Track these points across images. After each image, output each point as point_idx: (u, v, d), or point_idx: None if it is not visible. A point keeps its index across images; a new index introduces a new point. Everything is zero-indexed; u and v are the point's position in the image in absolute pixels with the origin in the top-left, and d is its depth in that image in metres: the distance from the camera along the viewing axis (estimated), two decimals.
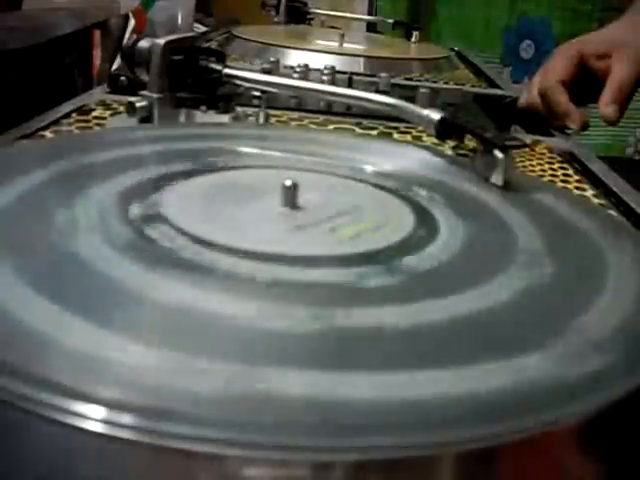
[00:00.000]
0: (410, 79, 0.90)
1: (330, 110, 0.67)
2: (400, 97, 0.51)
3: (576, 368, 0.23)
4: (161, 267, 0.27)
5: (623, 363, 0.24)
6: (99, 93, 0.68)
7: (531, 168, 0.57)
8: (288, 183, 0.33)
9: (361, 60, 0.93)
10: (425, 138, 0.60)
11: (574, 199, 0.45)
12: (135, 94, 0.53)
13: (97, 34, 0.94)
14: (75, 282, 0.26)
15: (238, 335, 0.24)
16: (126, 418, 0.19)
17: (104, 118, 0.59)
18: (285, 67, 0.82)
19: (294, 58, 0.87)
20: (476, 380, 0.22)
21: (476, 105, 0.71)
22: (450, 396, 0.21)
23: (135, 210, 0.32)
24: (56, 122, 0.58)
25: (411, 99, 0.56)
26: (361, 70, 0.88)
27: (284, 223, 0.33)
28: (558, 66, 0.67)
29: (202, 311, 0.25)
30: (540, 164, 0.58)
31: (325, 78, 0.78)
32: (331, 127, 0.62)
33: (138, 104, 0.52)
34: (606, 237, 0.35)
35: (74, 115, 0.60)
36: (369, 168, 0.42)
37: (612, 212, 0.48)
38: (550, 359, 0.24)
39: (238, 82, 0.56)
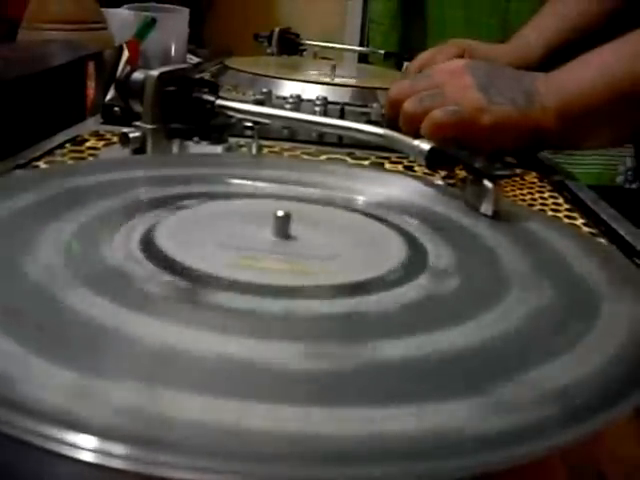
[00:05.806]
0: None
1: (322, 140, 0.67)
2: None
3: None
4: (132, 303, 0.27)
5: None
6: (93, 124, 0.68)
7: (521, 197, 0.58)
8: (280, 213, 0.34)
9: (353, 91, 0.93)
10: (416, 168, 0.60)
11: (564, 228, 0.45)
12: (128, 125, 0.53)
13: (91, 65, 0.94)
14: (53, 317, 0.26)
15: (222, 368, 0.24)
16: (117, 447, 0.19)
17: (97, 149, 0.60)
18: (277, 98, 0.82)
19: (286, 89, 0.87)
20: (460, 412, 0.22)
21: None
22: (435, 429, 0.21)
23: (121, 235, 0.33)
24: (50, 152, 0.58)
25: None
26: (353, 100, 0.89)
27: (252, 251, 0.33)
28: None
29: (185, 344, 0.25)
30: (530, 193, 0.59)
31: (317, 109, 0.79)
32: (323, 157, 0.63)
33: (131, 135, 0.52)
34: (597, 267, 0.35)
35: (68, 145, 0.60)
36: (361, 198, 0.43)
37: (602, 240, 0.49)
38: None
39: (231, 113, 0.56)
